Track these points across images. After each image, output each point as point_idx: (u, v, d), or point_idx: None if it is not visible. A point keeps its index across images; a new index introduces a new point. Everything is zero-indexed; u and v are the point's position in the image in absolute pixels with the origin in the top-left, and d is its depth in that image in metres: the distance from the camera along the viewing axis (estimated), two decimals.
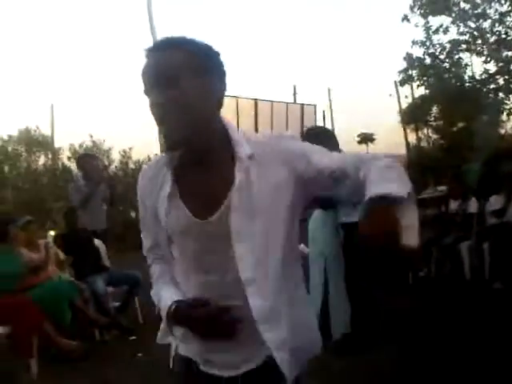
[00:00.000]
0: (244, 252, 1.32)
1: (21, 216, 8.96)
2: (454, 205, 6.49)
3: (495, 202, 6.09)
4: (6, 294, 4.36)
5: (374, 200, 1.17)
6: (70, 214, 5.55)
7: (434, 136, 19.06)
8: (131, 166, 12.53)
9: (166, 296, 1.46)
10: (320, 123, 20.03)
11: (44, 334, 4.37)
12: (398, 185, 1.21)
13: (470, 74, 16.62)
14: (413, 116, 18.66)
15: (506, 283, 5.42)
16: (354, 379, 3.59)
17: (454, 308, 5.01)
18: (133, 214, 11.02)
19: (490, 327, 4.31)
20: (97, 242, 5.67)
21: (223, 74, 1.39)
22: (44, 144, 12.48)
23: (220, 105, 1.39)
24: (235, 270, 1.33)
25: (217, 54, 1.38)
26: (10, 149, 11.97)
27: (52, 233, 5.29)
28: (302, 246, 5.76)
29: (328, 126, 20.14)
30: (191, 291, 1.43)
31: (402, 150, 19.93)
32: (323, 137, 4.22)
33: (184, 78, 1.29)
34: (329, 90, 22.41)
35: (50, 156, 12.20)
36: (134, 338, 4.93)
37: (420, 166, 16.13)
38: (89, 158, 6.45)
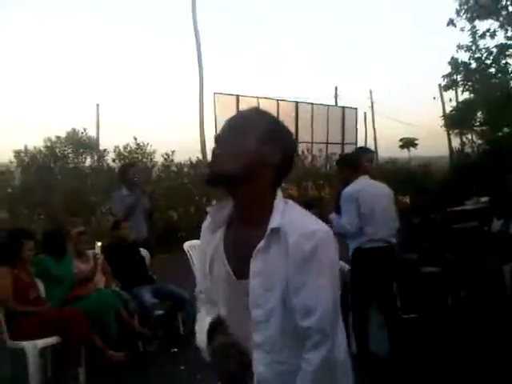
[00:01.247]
0: (258, 317, 1.44)
1: (68, 219, 9.32)
2: (496, 223, 6.38)
3: None
4: (57, 306, 4.60)
5: None
6: (117, 226, 5.73)
7: (479, 141, 18.65)
8: (173, 168, 12.75)
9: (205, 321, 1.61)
10: (361, 126, 19.92)
11: (91, 345, 4.57)
12: None
13: None
14: (457, 120, 18.30)
15: None
16: None
17: (493, 331, 4.97)
18: (174, 216, 11.28)
19: None
20: (143, 252, 5.85)
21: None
22: (90, 145, 12.83)
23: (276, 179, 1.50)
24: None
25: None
26: (57, 150, 12.37)
27: (99, 244, 5.47)
28: (342, 263, 5.80)
29: (369, 129, 19.94)
30: None
31: (445, 154, 19.60)
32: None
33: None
34: (370, 92, 22.18)
35: (95, 158, 12.57)
36: (175, 350, 5.08)
37: (463, 172, 15.82)
38: (132, 168, 6.51)
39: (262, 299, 1.42)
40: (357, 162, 4.53)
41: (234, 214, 1.52)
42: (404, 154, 22.47)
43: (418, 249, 6.20)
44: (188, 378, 4.38)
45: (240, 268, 1.46)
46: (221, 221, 1.53)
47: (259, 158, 1.43)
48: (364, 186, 4.31)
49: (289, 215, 1.44)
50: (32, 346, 4.15)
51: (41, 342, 4.22)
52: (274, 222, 1.42)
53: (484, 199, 10.39)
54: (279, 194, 1.50)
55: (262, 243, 1.42)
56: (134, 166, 6.67)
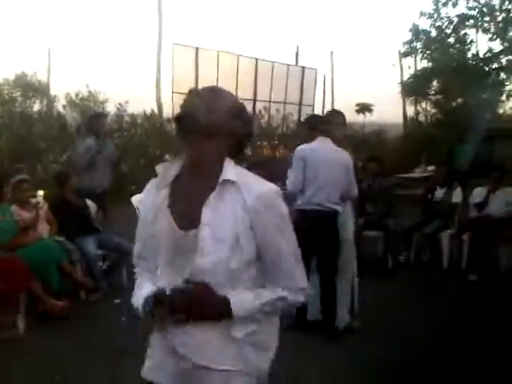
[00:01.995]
0: (205, 266, 1.47)
1: (13, 165, 9.03)
2: (439, 191, 6.59)
3: (478, 194, 6.23)
4: None
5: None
6: (62, 176, 5.61)
7: (433, 110, 19.02)
8: (126, 119, 12.45)
9: (144, 289, 1.61)
10: (320, 88, 19.87)
11: (32, 293, 4.53)
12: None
13: (474, 51, 16.49)
14: (413, 88, 18.55)
15: (480, 276, 5.64)
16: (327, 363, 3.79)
17: (429, 295, 5.22)
18: (124, 168, 11.06)
19: (461, 316, 4.55)
20: (89, 203, 5.77)
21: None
22: (40, 90, 12.32)
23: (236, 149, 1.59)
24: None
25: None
26: (5, 93, 11.79)
27: (41, 192, 5.32)
28: None
29: (328, 91, 19.94)
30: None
31: (400, 120, 19.89)
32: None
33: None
34: (331, 54, 22.09)
35: (45, 103, 12.10)
36: (118, 301, 5.09)
37: (414, 140, 16.17)
38: (100, 118, 6.43)
39: (210, 248, 1.47)
40: (317, 122, 4.39)
41: (185, 169, 1.57)
42: (359, 118, 22.70)
43: (365, 213, 6.36)
44: (129, 329, 4.42)
45: (186, 221, 1.50)
46: (168, 178, 1.57)
47: (231, 123, 1.52)
48: (316, 148, 4.17)
49: (241, 174, 1.53)
50: None
51: None
52: (227, 175, 1.49)
53: (431, 168, 10.73)
54: (229, 160, 1.57)
55: (213, 194, 1.48)
56: (101, 116, 6.55)
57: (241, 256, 1.48)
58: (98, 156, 6.01)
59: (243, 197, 1.47)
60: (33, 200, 5.15)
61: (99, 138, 6.12)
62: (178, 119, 1.52)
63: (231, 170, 1.52)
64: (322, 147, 4.18)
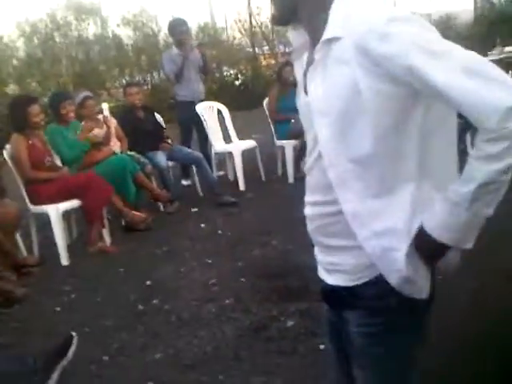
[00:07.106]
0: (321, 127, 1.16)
1: (77, 88, 9.09)
2: None
3: None
4: (74, 172, 4.60)
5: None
6: (127, 89, 5.54)
7: None
8: None
9: None
10: None
11: (113, 206, 4.64)
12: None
13: None
14: None
15: None
16: None
17: None
18: None
19: None
20: (158, 117, 5.74)
21: None
22: (92, 12, 12.16)
23: None
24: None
25: None
26: (59, 18, 11.70)
27: (106, 105, 5.25)
28: None
29: None
30: None
31: (470, 5, 18.37)
32: None
33: None
34: None
35: (99, 24, 11.96)
36: (195, 210, 5.16)
37: (488, 22, 14.91)
38: (178, 25, 5.92)
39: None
40: None
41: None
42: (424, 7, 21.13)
43: None
44: (209, 235, 4.49)
45: None
46: (304, 45, 1.24)
47: None
48: None
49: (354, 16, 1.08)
50: (55, 210, 4.20)
51: (62, 206, 4.27)
52: (326, 34, 1.11)
53: (508, 48, 9.89)
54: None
55: (316, 57, 1.14)
56: (180, 23, 6.09)
57: None
58: (184, 65, 5.76)
59: None
60: (100, 116, 5.15)
61: (182, 47, 5.80)
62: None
63: (336, 17, 1.10)
64: None
